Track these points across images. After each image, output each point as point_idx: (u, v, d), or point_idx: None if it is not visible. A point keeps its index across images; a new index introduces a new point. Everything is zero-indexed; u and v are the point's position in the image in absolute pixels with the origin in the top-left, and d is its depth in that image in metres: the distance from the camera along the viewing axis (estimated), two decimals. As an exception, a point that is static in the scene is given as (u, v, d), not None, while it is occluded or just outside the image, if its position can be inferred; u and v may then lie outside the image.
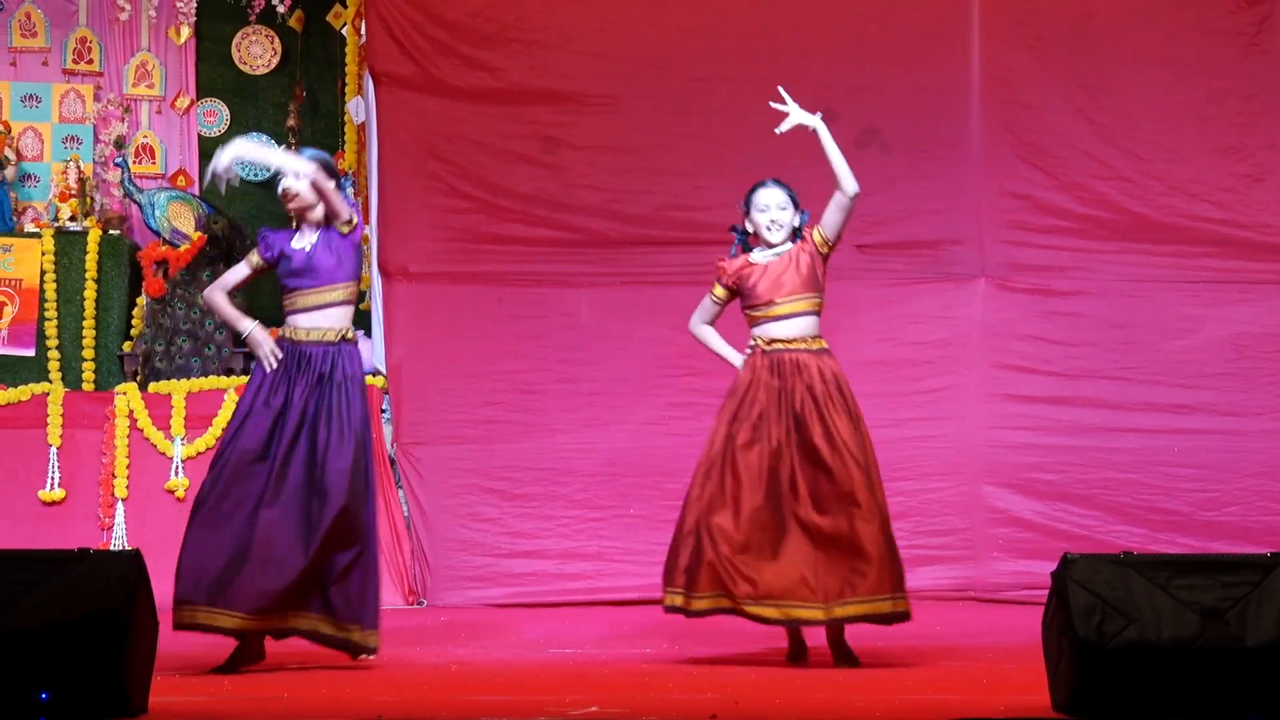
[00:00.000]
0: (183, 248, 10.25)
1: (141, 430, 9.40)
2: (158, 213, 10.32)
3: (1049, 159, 9.34)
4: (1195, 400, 9.22)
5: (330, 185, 6.69)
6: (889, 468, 6.99)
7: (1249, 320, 9.29)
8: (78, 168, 10.48)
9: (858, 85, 9.38)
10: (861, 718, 5.27)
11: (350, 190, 10.19)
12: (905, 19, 9.44)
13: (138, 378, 9.96)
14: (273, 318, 10.57)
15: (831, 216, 6.81)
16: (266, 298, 10.79)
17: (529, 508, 9.17)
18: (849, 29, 9.48)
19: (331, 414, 6.58)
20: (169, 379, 9.76)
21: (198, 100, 10.98)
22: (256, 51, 11.04)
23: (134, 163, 10.67)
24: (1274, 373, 9.27)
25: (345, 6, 10.76)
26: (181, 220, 10.33)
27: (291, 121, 10.80)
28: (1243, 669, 4.82)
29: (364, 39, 10.09)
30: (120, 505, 9.34)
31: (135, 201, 10.40)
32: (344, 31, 10.81)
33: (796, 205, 6.93)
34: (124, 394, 9.48)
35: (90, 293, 10.18)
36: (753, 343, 6.84)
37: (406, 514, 9.27)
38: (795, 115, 6.96)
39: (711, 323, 7.04)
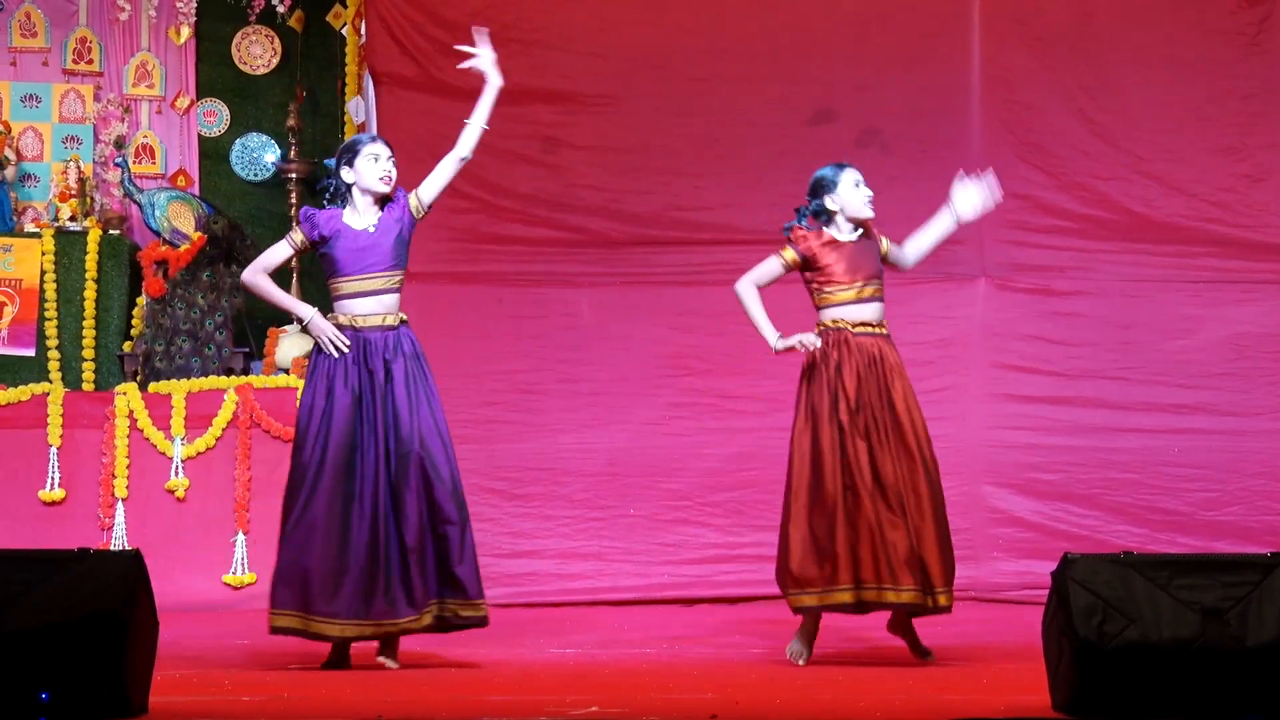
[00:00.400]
0: (183, 248, 10.25)
1: (141, 430, 9.40)
2: (158, 213, 10.32)
3: (1049, 159, 9.34)
4: (1195, 400, 9.22)
5: None
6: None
7: (1249, 320, 9.29)
8: (78, 168, 10.48)
9: (858, 85, 9.39)
10: (862, 717, 5.27)
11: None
12: (905, 19, 9.44)
13: (138, 378, 9.95)
14: (272, 318, 10.65)
15: (901, 254, 6.95)
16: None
17: (529, 508, 9.17)
18: (849, 29, 9.48)
19: (412, 394, 6.53)
20: (169, 379, 9.76)
21: (198, 100, 10.98)
22: (256, 51, 11.04)
23: (134, 163, 10.67)
24: (1274, 373, 9.27)
25: (345, 6, 10.76)
26: (181, 220, 10.33)
27: (291, 121, 10.80)
28: (1243, 669, 4.82)
29: (364, 39, 10.09)
30: (120, 505, 9.34)
31: (135, 201, 10.40)
32: (344, 31, 10.81)
33: None
34: (124, 394, 9.47)
35: (90, 293, 10.18)
36: (830, 323, 6.80)
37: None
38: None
39: (764, 287, 6.95)
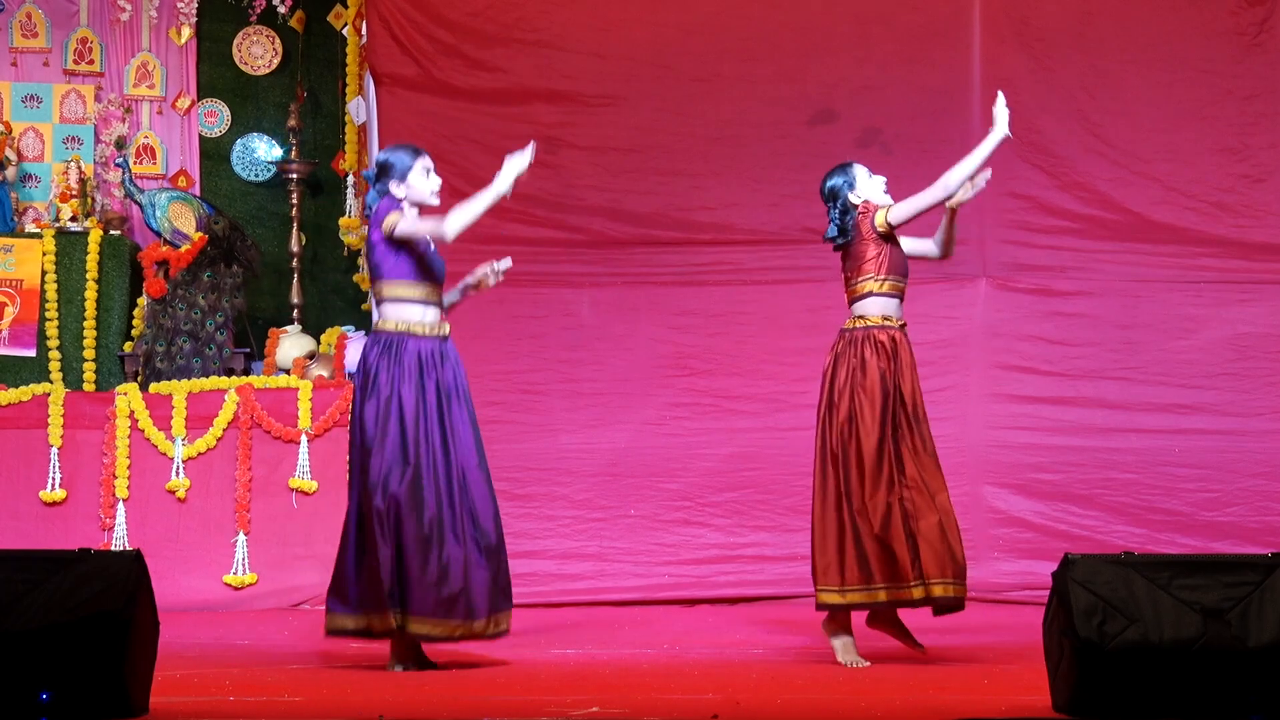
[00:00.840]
0: (183, 248, 10.24)
1: (142, 430, 9.40)
2: (158, 213, 10.31)
3: (1050, 159, 9.34)
4: (1196, 400, 9.22)
5: None
6: (890, 467, 7.01)
7: (1250, 320, 9.29)
8: (78, 168, 10.47)
9: (859, 85, 9.39)
10: (863, 717, 5.27)
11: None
12: (907, 20, 9.44)
13: (138, 378, 9.95)
14: (272, 318, 10.65)
15: (906, 209, 6.84)
16: (267, 298, 10.84)
17: (530, 508, 9.17)
18: (850, 29, 9.49)
19: (460, 408, 6.57)
20: (170, 379, 9.76)
21: (199, 101, 10.98)
22: (257, 52, 11.03)
23: (135, 163, 10.66)
24: (1275, 373, 9.27)
25: (346, 7, 10.76)
26: (182, 221, 10.33)
27: (292, 122, 10.79)
28: (1244, 670, 4.82)
29: (365, 39, 10.08)
30: (121, 505, 9.34)
31: (136, 202, 10.40)
32: (345, 32, 10.81)
33: None
34: (125, 394, 9.47)
35: (91, 293, 10.18)
36: (879, 322, 6.85)
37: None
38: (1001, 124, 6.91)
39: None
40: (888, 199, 6.90)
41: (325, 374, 9.85)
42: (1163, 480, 9.12)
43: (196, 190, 10.79)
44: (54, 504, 9.36)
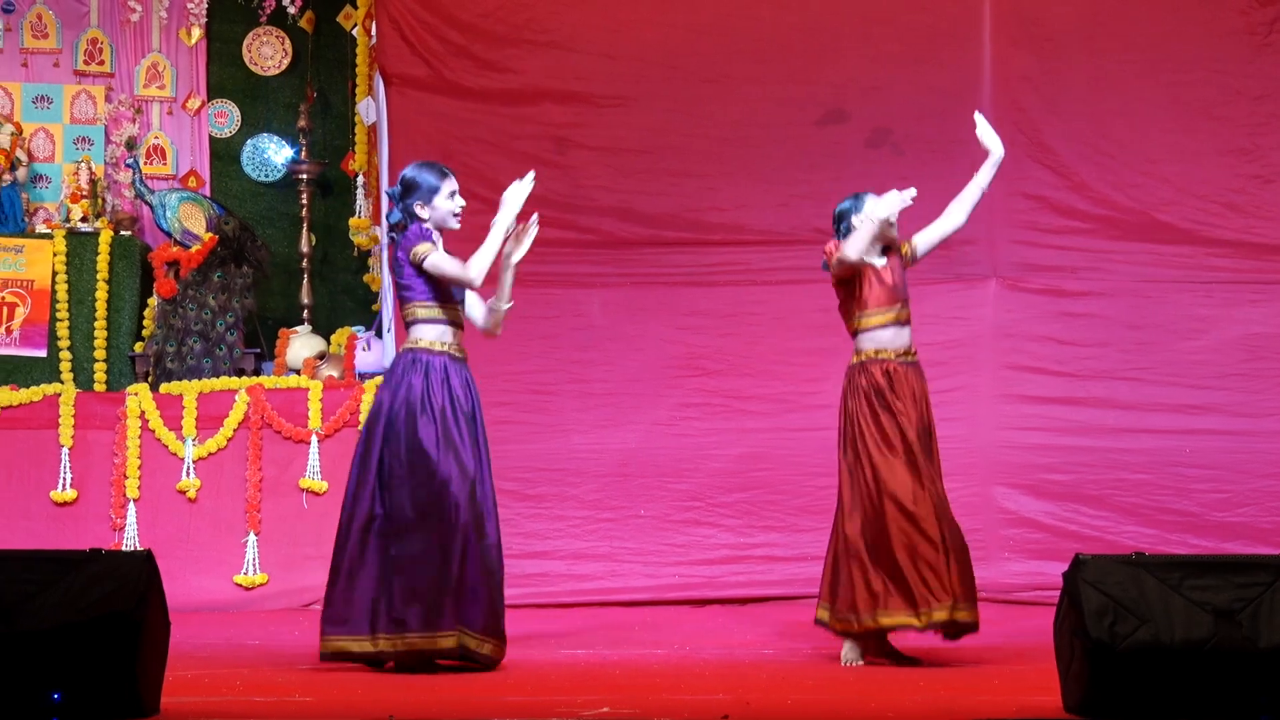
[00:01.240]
0: (194, 248, 10.25)
1: (153, 431, 9.41)
2: (169, 213, 10.32)
3: (1060, 160, 9.33)
4: (1207, 401, 9.21)
5: None
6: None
7: (1261, 321, 9.28)
8: (89, 169, 10.48)
9: (869, 86, 9.38)
10: (873, 718, 5.27)
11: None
12: (916, 20, 9.44)
13: (149, 378, 9.96)
14: (282, 319, 10.66)
15: (932, 238, 6.85)
16: (277, 298, 10.85)
17: (540, 508, 9.17)
18: (860, 30, 9.48)
19: (475, 431, 6.62)
20: (180, 380, 9.77)
21: (209, 101, 10.99)
22: (267, 52, 11.04)
23: (145, 164, 10.68)
24: (1286, 374, 9.27)
25: (356, 7, 10.76)
26: (193, 221, 10.33)
27: (302, 122, 10.80)
28: (1255, 670, 4.82)
29: (374, 40, 10.09)
30: (132, 506, 9.35)
31: (146, 202, 10.41)
32: (354, 32, 10.81)
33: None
34: (135, 394, 9.49)
35: (101, 293, 10.19)
36: (867, 357, 6.83)
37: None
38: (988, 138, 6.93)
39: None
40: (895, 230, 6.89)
41: (335, 374, 9.86)
42: (1174, 481, 9.11)
43: (207, 191, 10.80)
44: (65, 504, 9.37)
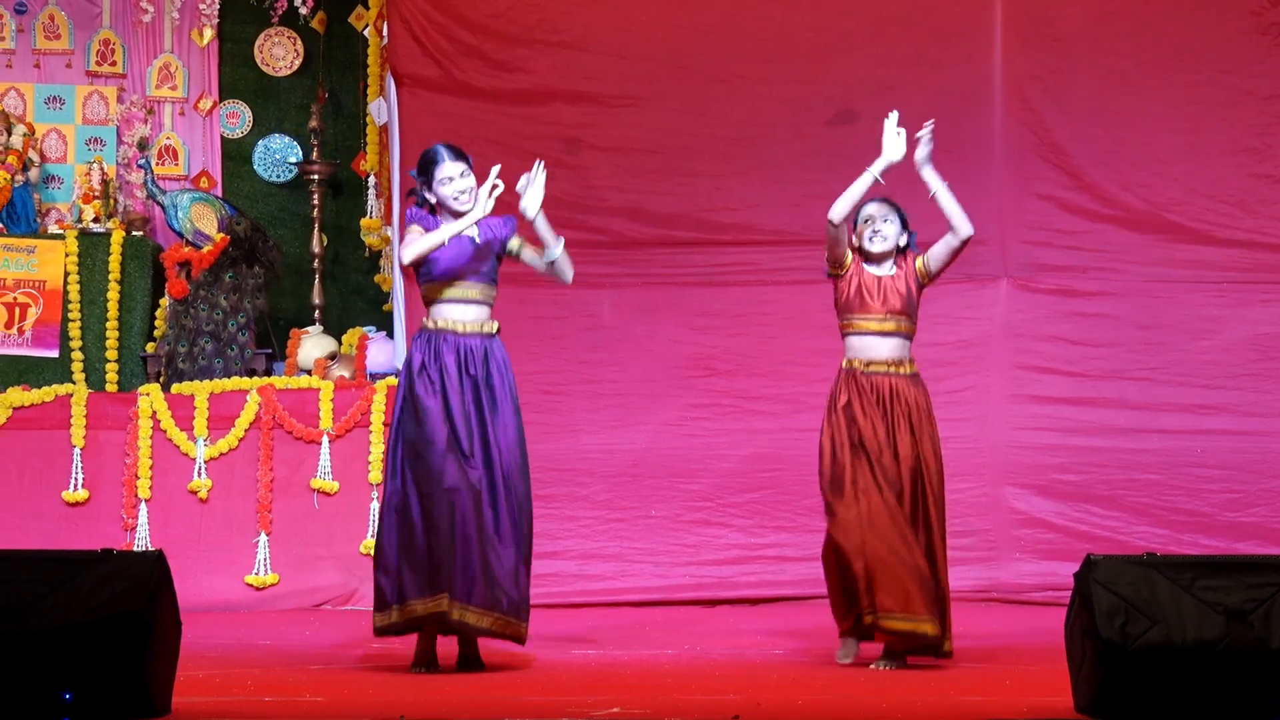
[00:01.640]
0: (205, 249, 10.26)
1: (164, 431, 9.42)
2: (180, 214, 10.33)
3: (1071, 160, 9.33)
4: (1218, 401, 9.20)
5: None
6: (911, 469, 7.01)
7: (1272, 321, 9.27)
8: (101, 169, 10.49)
9: (879, 86, 9.37)
10: (884, 718, 5.27)
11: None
12: (927, 20, 9.43)
13: (160, 379, 9.97)
14: (294, 319, 10.66)
15: (939, 251, 6.81)
16: (289, 298, 10.85)
17: (551, 508, 9.16)
18: (870, 30, 9.48)
19: (504, 408, 6.55)
20: (192, 380, 9.78)
21: (220, 102, 11.00)
22: (279, 53, 11.05)
23: (157, 164, 10.68)
24: (1297, 373, 9.26)
25: (367, 8, 10.77)
26: (204, 222, 10.35)
27: (314, 123, 10.81)
28: (1267, 671, 4.82)
29: (386, 40, 10.09)
30: (143, 506, 9.36)
31: (158, 203, 10.42)
32: (366, 33, 10.81)
33: (905, 225, 6.86)
34: (147, 395, 9.50)
35: (113, 294, 10.19)
36: (850, 362, 6.80)
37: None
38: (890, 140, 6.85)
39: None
40: (873, 245, 6.86)
41: (346, 375, 9.87)
42: (1185, 481, 9.11)
43: (218, 191, 10.81)
44: (76, 504, 9.39)
